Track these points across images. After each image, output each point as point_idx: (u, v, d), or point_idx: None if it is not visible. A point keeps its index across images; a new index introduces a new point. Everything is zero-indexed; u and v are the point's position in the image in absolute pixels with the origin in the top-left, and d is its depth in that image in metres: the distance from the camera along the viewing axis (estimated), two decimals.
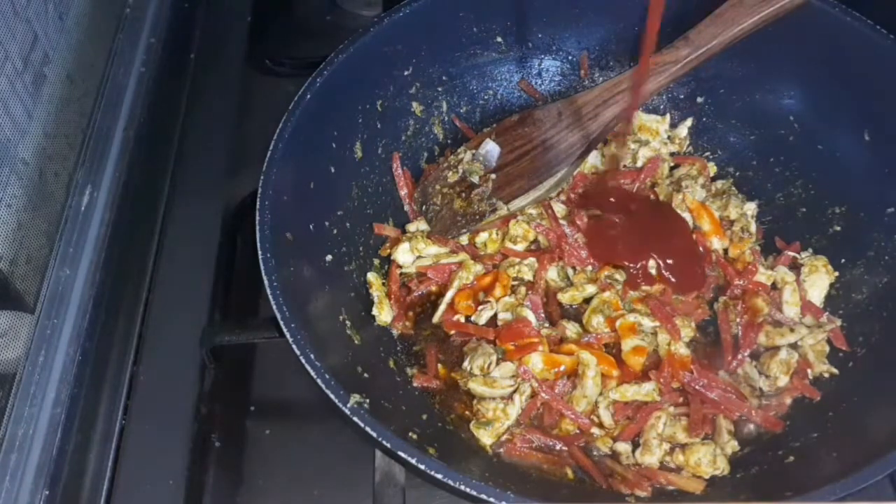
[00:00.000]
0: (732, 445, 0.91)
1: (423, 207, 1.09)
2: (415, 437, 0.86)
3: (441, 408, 0.95)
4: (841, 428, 0.89)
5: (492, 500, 0.72)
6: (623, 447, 0.92)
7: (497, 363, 0.96)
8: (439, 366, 0.98)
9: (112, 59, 1.19)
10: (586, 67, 1.18)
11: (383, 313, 1.01)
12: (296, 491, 0.92)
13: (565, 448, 0.91)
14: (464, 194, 1.07)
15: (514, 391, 0.93)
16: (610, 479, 0.89)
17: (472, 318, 1.01)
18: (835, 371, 0.96)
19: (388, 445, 0.75)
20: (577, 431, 0.93)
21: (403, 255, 1.04)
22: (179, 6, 1.31)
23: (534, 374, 0.94)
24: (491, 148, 1.07)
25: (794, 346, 0.98)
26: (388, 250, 1.06)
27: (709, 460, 0.89)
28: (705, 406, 0.93)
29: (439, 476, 0.73)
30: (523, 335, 0.96)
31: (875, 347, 0.95)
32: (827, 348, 0.97)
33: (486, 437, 0.91)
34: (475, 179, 1.07)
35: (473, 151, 1.08)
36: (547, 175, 1.03)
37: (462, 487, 0.72)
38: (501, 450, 0.92)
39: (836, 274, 1.01)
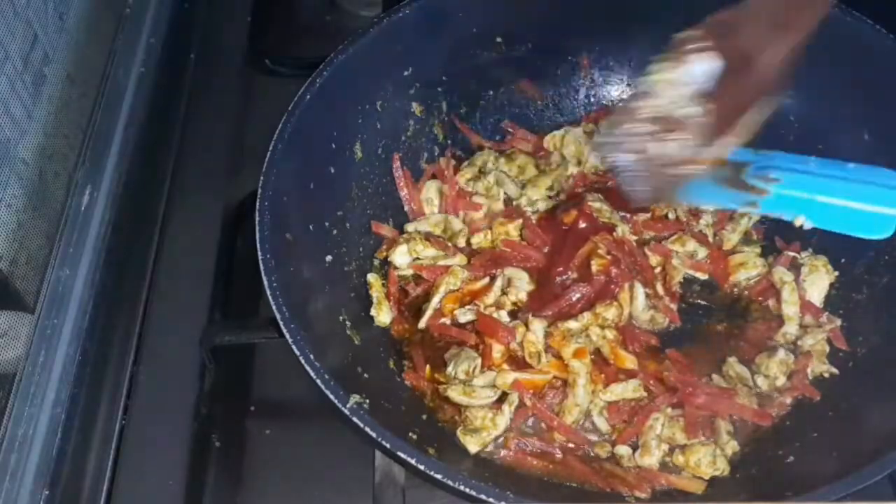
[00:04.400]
0: (732, 446, 0.91)
1: (614, 166, 0.81)
2: (414, 437, 0.86)
3: (431, 410, 0.95)
4: (841, 428, 0.89)
5: (491, 500, 0.72)
6: (623, 450, 0.91)
7: (481, 368, 0.95)
8: (427, 367, 0.98)
9: (112, 59, 1.19)
10: (586, 68, 1.18)
11: (382, 314, 1.01)
12: (296, 491, 0.92)
13: (561, 455, 0.91)
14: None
15: (503, 401, 0.93)
16: (610, 479, 0.89)
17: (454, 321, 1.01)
18: (835, 371, 0.95)
19: (388, 445, 0.75)
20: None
21: (401, 257, 1.04)
22: (179, 6, 1.31)
23: (524, 386, 0.93)
24: (703, 69, 0.74)
25: (793, 346, 0.98)
26: (385, 253, 1.05)
27: (709, 461, 0.88)
28: (699, 407, 0.93)
29: (439, 476, 0.73)
30: (497, 329, 0.96)
31: (875, 347, 0.95)
32: (827, 348, 0.97)
33: (472, 445, 0.90)
34: (686, 111, 0.75)
35: (682, 67, 0.74)
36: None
37: (462, 487, 0.72)
38: (496, 457, 0.91)
39: (836, 274, 1.01)
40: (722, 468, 0.89)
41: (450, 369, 0.96)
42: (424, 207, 1.10)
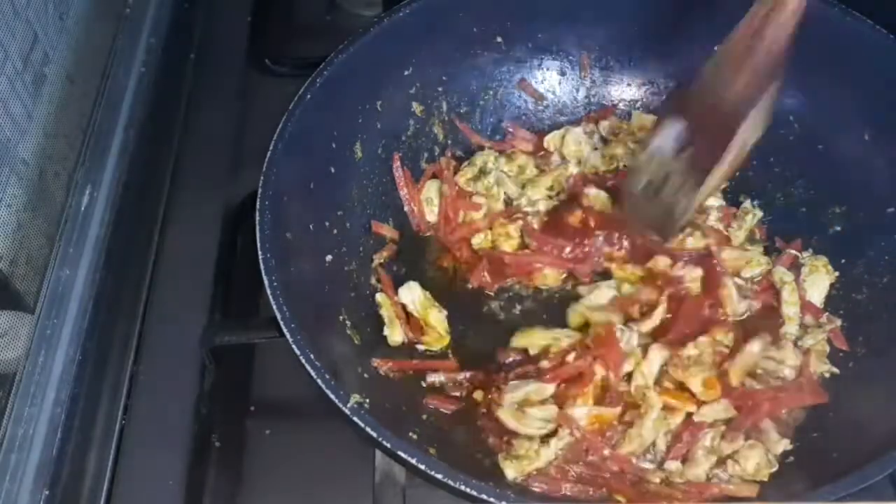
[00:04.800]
0: (784, 444, 0.89)
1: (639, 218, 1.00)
2: (415, 437, 0.86)
3: (480, 429, 0.92)
4: (841, 428, 0.89)
5: (492, 500, 0.72)
6: (674, 466, 0.89)
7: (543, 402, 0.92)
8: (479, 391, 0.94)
9: (112, 59, 1.19)
10: (586, 67, 1.18)
11: (395, 334, 0.99)
12: (296, 491, 0.91)
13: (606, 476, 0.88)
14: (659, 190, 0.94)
15: (552, 435, 0.89)
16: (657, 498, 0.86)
17: None
18: (835, 371, 0.95)
19: (388, 445, 0.75)
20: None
21: (408, 294, 1.01)
22: (179, 6, 1.31)
23: (578, 423, 0.89)
24: (667, 137, 0.92)
25: (793, 345, 0.98)
26: (384, 256, 1.04)
27: (765, 462, 0.87)
28: (752, 416, 0.91)
29: (439, 476, 0.73)
30: (613, 346, 0.91)
31: (875, 347, 0.95)
32: (827, 348, 0.97)
33: (510, 471, 0.87)
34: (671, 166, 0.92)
35: (647, 152, 0.94)
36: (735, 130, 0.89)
37: (462, 487, 0.72)
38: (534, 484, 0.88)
39: (837, 274, 1.01)
40: (775, 467, 0.87)
41: (509, 394, 0.92)
42: (424, 207, 1.11)
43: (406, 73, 1.09)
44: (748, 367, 0.94)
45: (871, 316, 0.97)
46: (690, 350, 0.93)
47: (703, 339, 0.94)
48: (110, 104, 1.14)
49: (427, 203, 1.11)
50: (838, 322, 0.99)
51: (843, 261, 1.02)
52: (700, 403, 0.91)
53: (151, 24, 1.24)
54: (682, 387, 0.93)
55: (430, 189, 1.11)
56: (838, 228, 1.04)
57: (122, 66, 1.18)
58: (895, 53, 0.98)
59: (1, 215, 0.94)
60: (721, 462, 0.89)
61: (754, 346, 0.94)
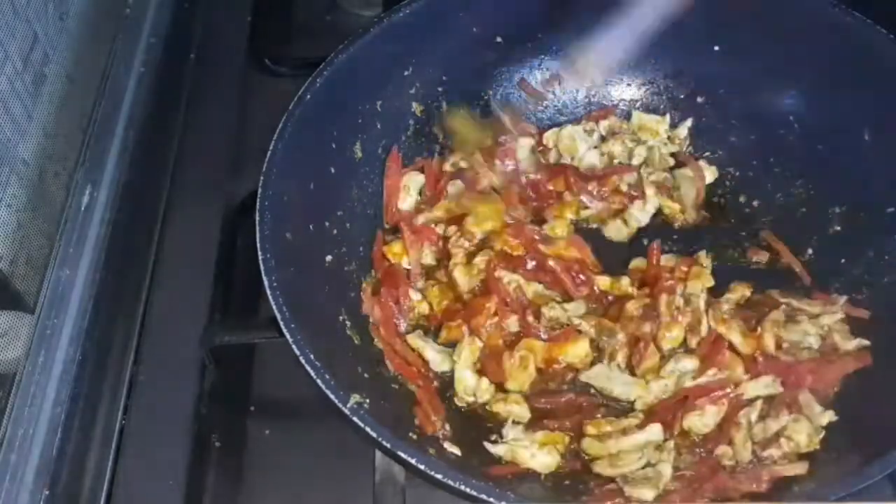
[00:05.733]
0: (829, 415, 0.89)
1: None
2: (414, 437, 0.86)
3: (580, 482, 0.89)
4: (841, 428, 0.89)
5: (492, 500, 0.72)
6: (721, 450, 0.89)
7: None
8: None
9: (112, 59, 1.19)
10: None
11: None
12: (296, 491, 0.92)
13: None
14: None
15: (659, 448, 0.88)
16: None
17: None
18: (866, 343, 0.94)
19: (388, 445, 0.75)
20: None
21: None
22: (179, 6, 1.31)
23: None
24: None
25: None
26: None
27: (813, 432, 0.88)
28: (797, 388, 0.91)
29: (439, 476, 0.73)
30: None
31: (875, 348, 0.95)
32: (846, 327, 0.97)
33: (648, 494, 0.84)
34: None
35: None
36: None
37: (462, 487, 0.72)
38: None
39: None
40: (819, 439, 0.88)
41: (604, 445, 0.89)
42: (402, 194, 1.09)
43: (406, 73, 1.09)
44: (778, 326, 0.95)
45: (871, 316, 0.97)
46: (725, 304, 0.97)
47: (731, 294, 0.99)
48: (110, 104, 1.14)
49: (404, 190, 1.09)
50: (843, 298, 0.98)
51: (843, 261, 1.02)
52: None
53: (151, 24, 1.24)
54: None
55: (413, 179, 1.10)
56: (838, 228, 1.04)
57: (122, 66, 1.18)
58: (895, 53, 0.98)
59: (1, 215, 0.94)
60: (772, 441, 0.88)
61: (778, 314, 0.97)
